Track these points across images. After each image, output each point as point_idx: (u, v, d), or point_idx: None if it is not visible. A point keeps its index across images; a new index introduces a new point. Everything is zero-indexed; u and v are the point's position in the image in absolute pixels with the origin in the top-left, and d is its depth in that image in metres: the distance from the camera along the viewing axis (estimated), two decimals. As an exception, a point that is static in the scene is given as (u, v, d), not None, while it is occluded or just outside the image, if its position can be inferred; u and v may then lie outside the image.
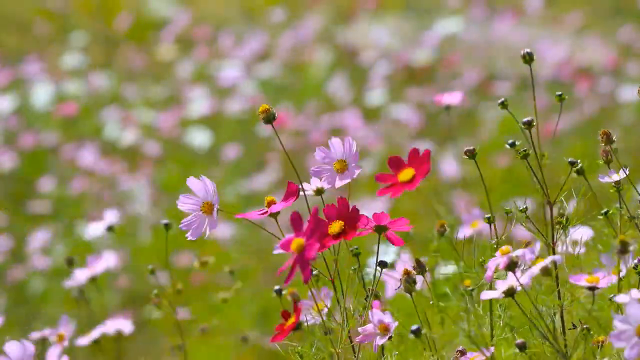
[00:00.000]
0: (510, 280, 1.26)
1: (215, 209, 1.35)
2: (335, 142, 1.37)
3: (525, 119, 1.41)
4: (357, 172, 1.35)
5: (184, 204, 1.37)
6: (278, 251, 1.39)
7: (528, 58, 1.47)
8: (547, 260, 1.27)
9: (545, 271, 1.25)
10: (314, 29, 6.40)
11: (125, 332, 1.81)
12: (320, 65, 6.05)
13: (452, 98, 1.98)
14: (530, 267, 1.29)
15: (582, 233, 1.48)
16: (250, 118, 5.28)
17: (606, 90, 5.27)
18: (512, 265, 1.25)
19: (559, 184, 1.41)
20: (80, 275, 1.90)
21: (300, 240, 1.24)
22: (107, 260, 1.88)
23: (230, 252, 1.89)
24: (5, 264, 4.09)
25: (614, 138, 1.44)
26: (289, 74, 5.96)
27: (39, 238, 4.22)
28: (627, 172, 1.41)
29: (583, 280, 1.32)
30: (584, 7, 6.59)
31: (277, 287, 1.47)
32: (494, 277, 1.32)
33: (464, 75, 5.59)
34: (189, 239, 1.37)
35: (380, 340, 1.34)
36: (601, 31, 6.21)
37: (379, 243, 1.36)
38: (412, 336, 1.24)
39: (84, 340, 1.77)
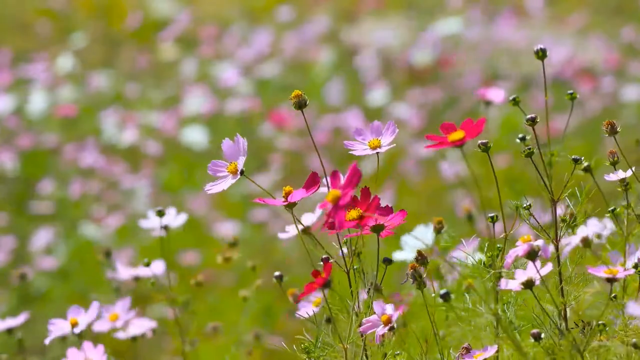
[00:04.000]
0: (530, 272, 1.25)
1: (239, 170, 1.39)
2: (375, 124, 1.42)
3: (529, 115, 1.41)
4: (386, 148, 1.41)
5: (213, 168, 1.41)
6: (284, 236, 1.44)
7: (541, 54, 1.47)
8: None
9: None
10: (318, 28, 6.40)
11: (153, 330, 1.82)
12: (323, 64, 6.05)
13: (496, 95, 1.97)
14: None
15: (595, 228, 1.48)
16: (252, 118, 5.28)
17: (608, 90, 5.27)
18: (532, 254, 1.25)
19: (563, 182, 1.41)
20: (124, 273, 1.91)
21: (336, 191, 1.26)
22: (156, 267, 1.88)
23: (234, 251, 1.89)
24: (9, 264, 4.09)
25: (618, 129, 1.45)
26: (292, 74, 5.96)
27: (41, 238, 4.22)
28: (633, 170, 1.41)
29: (602, 272, 1.32)
30: (586, 7, 6.59)
31: (277, 273, 1.50)
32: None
33: (466, 75, 5.59)
34: (208, 192, 1.41)
35: (381, 330, 1.35)
36: (603, 31, 6.21)
37: (378, 242, 1.37)
38: (440, 300, 1.25)
39: (121, 335, 1.78)
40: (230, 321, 2.16)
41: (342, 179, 1.29)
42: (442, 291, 1.26)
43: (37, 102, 5.42)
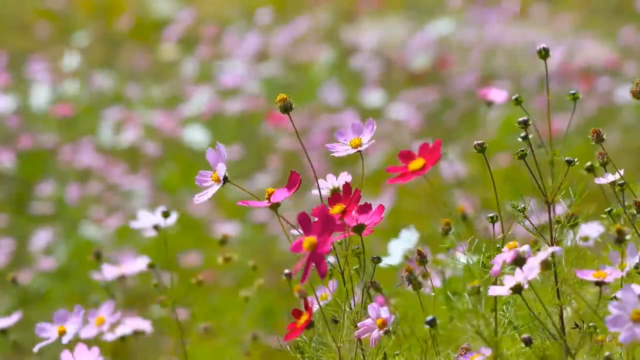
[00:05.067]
0: (518, 277, 1.26)
1: (222, 178, 1.41)
2: (356, 124, 1.43)
3: (521, 119, 1.42)
4: (366, 145, 1.41)
5: (200, 179, 1.42)
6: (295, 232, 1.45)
7: (544, 53, 1.47)
8: (547, 252, 1.27)
9: (545, 265, 1.25)
10: (317, 28, 6.41)
11: (146, 331, 1.82)
12: (322, 64, 6.06)
13: (498, 96, 1.98)
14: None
15: (591, 229, 1.49)
16: (252, 118, 5.29)
17: (606, 90, 5.27)
18: (519, 260, 1.26)
19: (565, 182, 1.42)
20: (109, 273, 1.91)
21: (312, 239, 1.25)
22: (140, 263, 1.88)
23: (234, 251, 1.89)
24: (8, 265, 4.09)
25: (604, 136, 1.45)
26: (291, 74, 5.96)
27: (41, 238, 4.22)
28: (622, 173, 1.42)
29: (590, 276, 1.33)
30: (584, 7, 6.59)
31: (286, 271, 1.50)
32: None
33: (464, 76, 5.59)
34: (195, 202, 1.42)
35: (377, 334, 1.36)
36: (601, 31, 6.22)
37: (362, 241, 1.38)
38: (426, 327, 1.25)
39: (109, 337, 1.78)
40: (231, 321, 2.16)
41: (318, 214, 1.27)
42: (428, 318, 1.27)
43: (41, 97, 5.43)
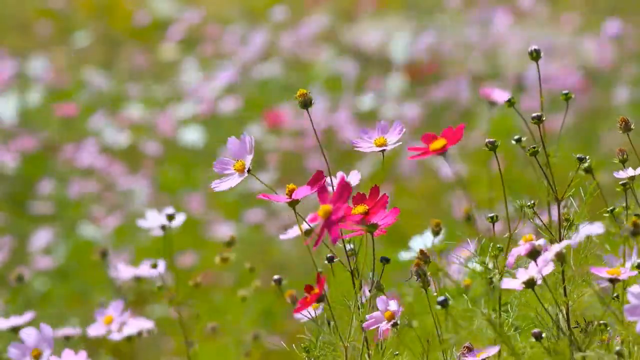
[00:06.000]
0: (531, 271, 1.26)
1: (247, 168, 1.39)
2: (383, 123, 1.43)
3: (534, 114, 1.42)
4: (392, 146, 1.42)
5: (219, 165, 1.41)
6: (285, 237, 1.47)
7: (535, 55, 1.47)
8: (561, 245, 1.27)
9: (560, 257, 1.25)
10: (315, 28, 6.41)
11: (151, 331, 1.83)
12: (322, 64, 6.06)
13: (500, 96, 1.98)
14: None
15: (592, 229, 1.49)
16: (250, 117, 5.29)
17: (603, 90, 5.28)
18: (534, 253, 1.25)
19: (560, 182, 1.42)
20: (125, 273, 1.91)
21: (327, 206, 1.26)
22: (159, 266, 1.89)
23: (233, 252, 1.89)
24: (8, 265, 4.09)
25: (632, 126, 1.46)
26: (291, 73, 5.97)
27: (41, 238, 4.22)
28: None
29: (604, 272, 1.32)
30: (583, 7, 6.60)
31: (276, 277, 1.50)
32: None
33: (463, 76, 5.60)
34: (215, 190, 1.41)
35: (385, 326, 1.36)
36: (600, 31, 6.23)
37: (373, 241, 1.38)
38: (438, 307, 1.25)
39: (116, 336, 1.78)
40: (230, 322, 2.16)
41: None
42: (440, 298, 1.27)
43: (35, 95, 5.42)
